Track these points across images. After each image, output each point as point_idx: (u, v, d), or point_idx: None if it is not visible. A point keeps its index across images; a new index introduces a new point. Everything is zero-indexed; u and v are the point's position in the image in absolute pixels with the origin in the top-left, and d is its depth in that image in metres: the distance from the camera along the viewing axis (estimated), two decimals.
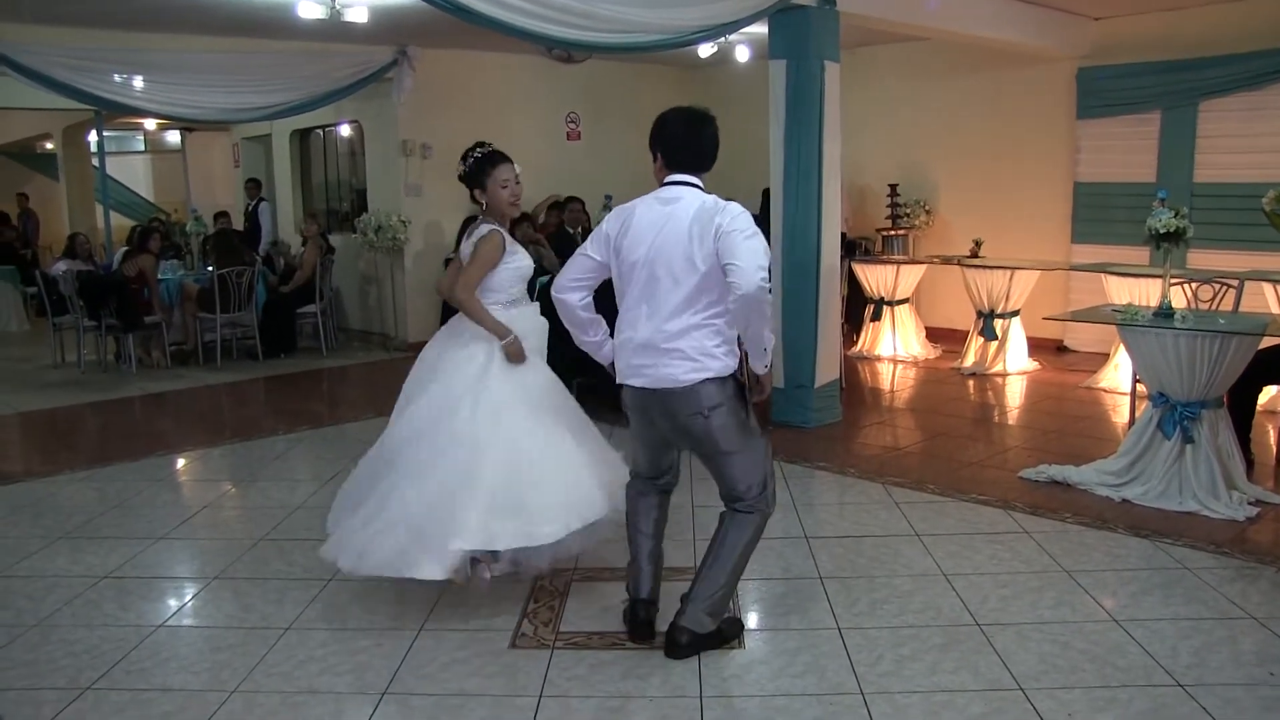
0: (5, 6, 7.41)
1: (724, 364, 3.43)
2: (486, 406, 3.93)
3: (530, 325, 4.15)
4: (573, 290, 3.60)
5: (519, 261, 4.17)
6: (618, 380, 3.59)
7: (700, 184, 3.49)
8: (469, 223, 7.72)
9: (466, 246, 4.14)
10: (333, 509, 4.24)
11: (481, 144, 4.18)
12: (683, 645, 3.52)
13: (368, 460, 4.19)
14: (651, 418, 3.55)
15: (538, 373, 4.14)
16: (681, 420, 3.45)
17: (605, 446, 4.22)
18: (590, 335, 3.66)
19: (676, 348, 3.39)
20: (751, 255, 3.25)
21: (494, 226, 4.11)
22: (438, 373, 4.09)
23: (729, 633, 3.65)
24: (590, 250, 3.57)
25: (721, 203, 3.39)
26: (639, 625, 3.68)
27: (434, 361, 4.16)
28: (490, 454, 3.83)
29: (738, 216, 3.33)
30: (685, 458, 3.89)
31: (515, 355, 4.03)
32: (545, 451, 3.92)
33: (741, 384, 3.53)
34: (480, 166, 4.10)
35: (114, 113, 10.70)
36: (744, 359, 3.58)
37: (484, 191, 4.11)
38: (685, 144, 3.49)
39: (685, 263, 3.35)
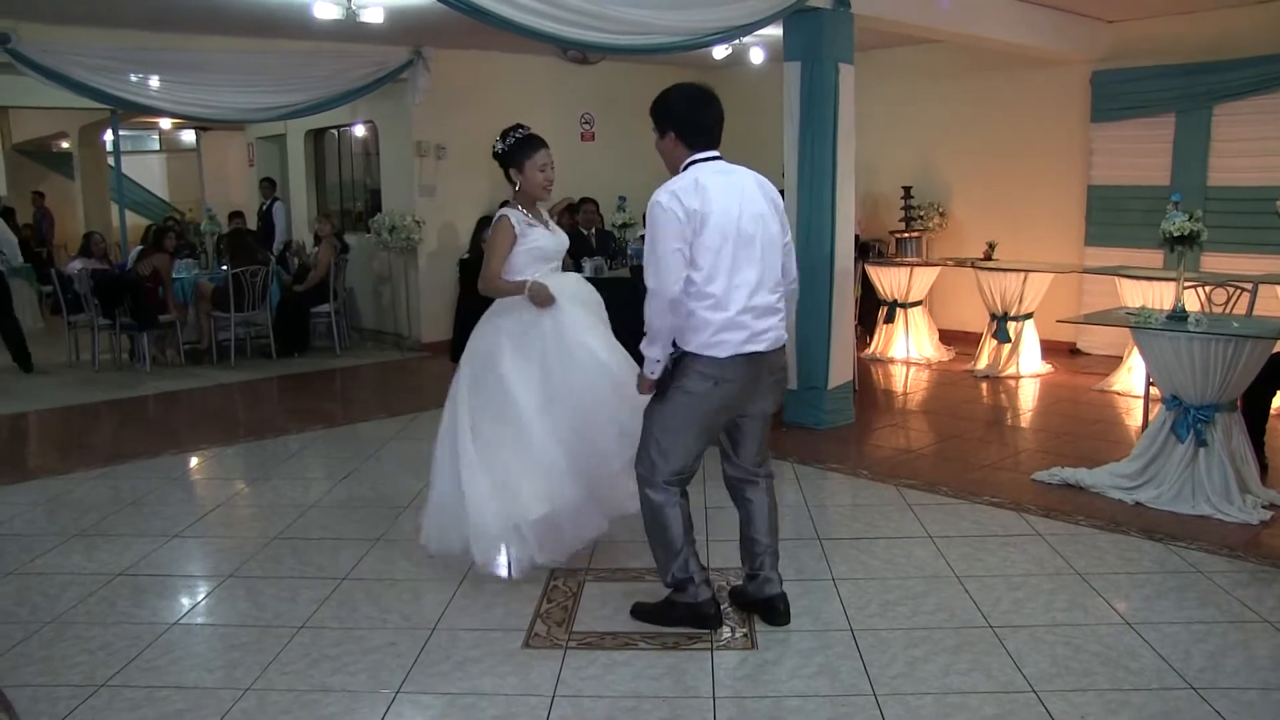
0: (24, 5, 7.46)
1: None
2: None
3: (554, 284, 4.21)
4: (676, 288, 3.45)
5: (537, 242, 4.22)
6: (732, 349, 3.47)
7: (722, 156, 3.59)
8: (484, 223, 7.79)
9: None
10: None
11: (521, 125, 4.28)
12: (787, 608, 3.82)
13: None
14: (754, 384, 3.59)
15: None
16: (775, 378, 3.69)
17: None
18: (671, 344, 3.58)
19: (779, 309, 3.62)
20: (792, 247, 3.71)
21: (504, 212, 4.22)
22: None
23: None
24: (678, 244, 3.40)
25: (761, 177, 3.65)
26: (716, 617, 3.77)
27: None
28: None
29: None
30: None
31: (543, 298, 4.12)
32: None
33: None
34: (520, 147, 4.21)
35: (130, 112, 10.78)
36: None
37: (520, 172, 4.21)
38: (706, 120, 3.56)
39: (777, 229, 3.60)
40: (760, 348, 3.53)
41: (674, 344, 3.53)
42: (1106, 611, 3.89)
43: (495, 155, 4.26)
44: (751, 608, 3.87)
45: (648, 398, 3.67)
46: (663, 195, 3.44)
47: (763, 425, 3.75)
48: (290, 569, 4.48)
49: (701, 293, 3.43)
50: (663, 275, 3.41)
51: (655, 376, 3.56)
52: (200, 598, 4.25)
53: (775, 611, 3.80)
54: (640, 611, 3.86)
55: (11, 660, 3.63)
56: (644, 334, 3.54)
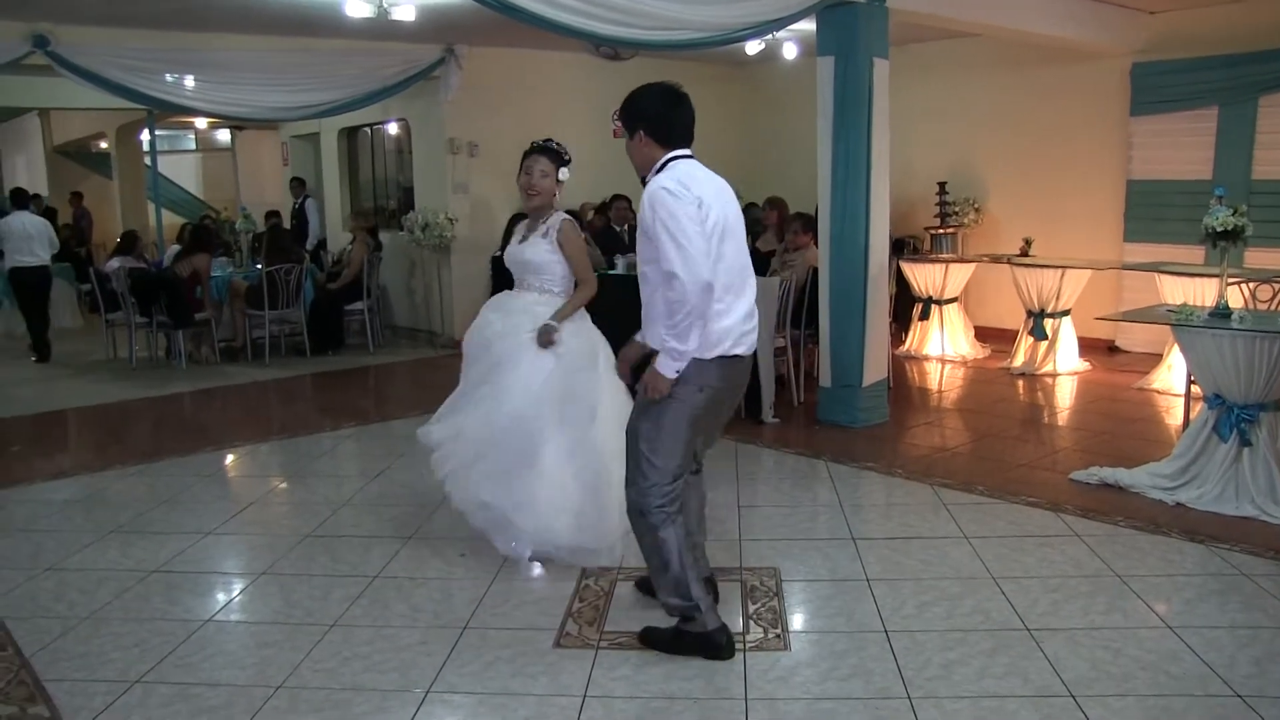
0: (62, 8, 7.55)
1: None
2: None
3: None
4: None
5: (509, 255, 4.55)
6: (719, 353, 3.40)
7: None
8: (516, 220, 7.78)
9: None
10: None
11: (547, 140, 4.53)
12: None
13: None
14: (733, 388, 3.60)
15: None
16: (746, 378, 3.65)
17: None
18: None
19: (756, 310, 3.59)
20: None
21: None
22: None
23: None
24: (699, 235, 3.30)
25: None
26: (727, 647, 3.55)
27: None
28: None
29: None
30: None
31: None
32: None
33: None
34: (525, 154, 4.46)
35: (166, 112, 10.89)
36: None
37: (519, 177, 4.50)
38: (676, 119, 3.50)
39: (743, 231, 3.57)
40: (741, 350, 3.50)
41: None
42: (1147, 614, 3.81)
43: None
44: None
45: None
46: (668, 183, 3.34)
47: (718, 429, 3.82)
48: (322, 567, 4.49)
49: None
50: (696, 258, 3.26)
51: (671, 376, 3.36)
52: (233, 595, 4.27)
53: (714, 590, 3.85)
54: (650, 639, 3.62)
55: (50, 655, 3.67)
56: (666, 330, 3.36)
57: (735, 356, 3.47)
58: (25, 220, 10.16)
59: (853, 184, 6.54)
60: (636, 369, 3.64)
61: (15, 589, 4.31)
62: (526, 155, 4.45)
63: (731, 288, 3.43)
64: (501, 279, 7.18)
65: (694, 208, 3.32)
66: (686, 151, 3.51)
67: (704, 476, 3.93)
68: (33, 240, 10.10)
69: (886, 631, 3.71)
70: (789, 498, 5.35)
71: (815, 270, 7.02)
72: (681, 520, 3.54)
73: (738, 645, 3.59)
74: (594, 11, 5.44)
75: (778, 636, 3.70)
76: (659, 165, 3.46)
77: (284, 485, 5.95)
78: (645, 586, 3.91)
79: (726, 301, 3.40)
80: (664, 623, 3.63)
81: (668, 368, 3.35)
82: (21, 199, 10.57)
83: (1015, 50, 9.36)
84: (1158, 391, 7.57)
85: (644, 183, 3.46)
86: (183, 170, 18.85)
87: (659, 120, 3.48)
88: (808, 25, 6.84)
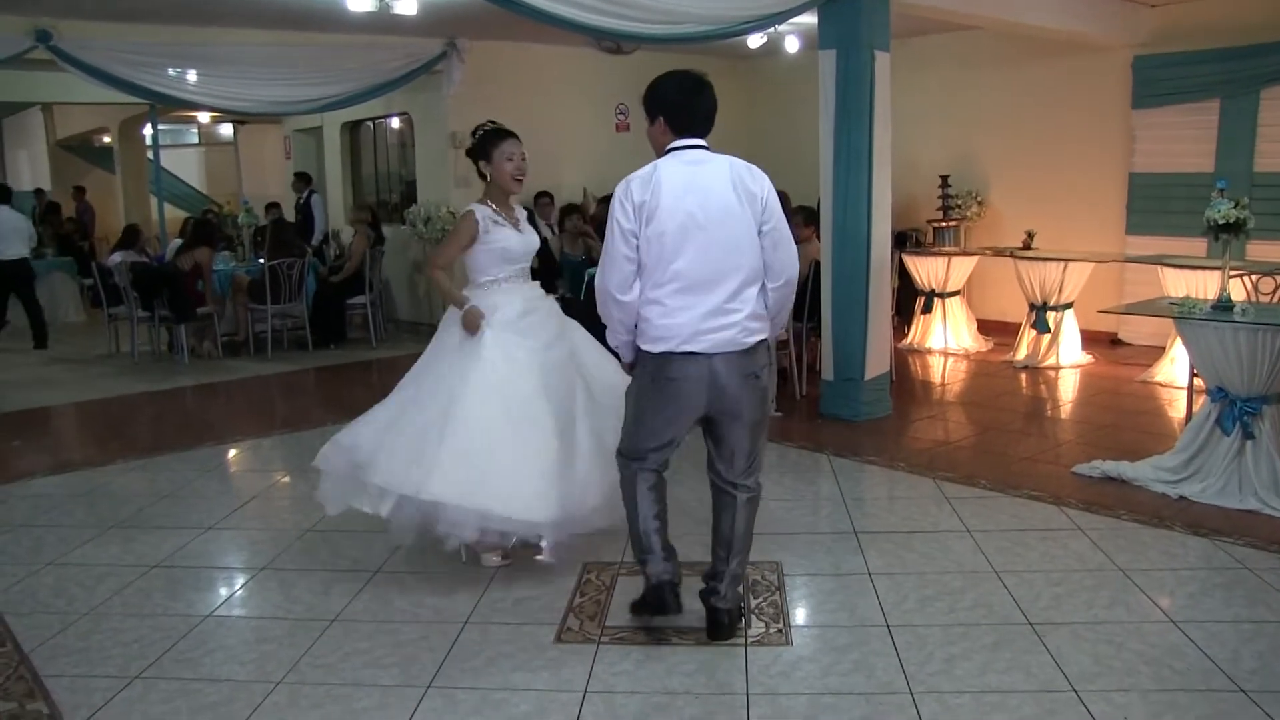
0: (65, 3, 7.54)
1: (766, 325, 3.54)
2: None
3: (501, 301, 4.21)
4: (629, 289, 3.43)
5: (502, 242, 4.21)
6: (663, 346, 3.41)
7: (708, 146, 3.52)
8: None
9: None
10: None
11: (491, 121, 4.32)
12: (728, 625, 3.62)
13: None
14: (702, 386, 3.43)
15: (504, 353, 4.12)
16: (736, 383, 3.44)
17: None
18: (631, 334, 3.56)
19: (737, 309, 3.41)
20: (791, 245, 3.48)
21: (471, 206, 4.22)
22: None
23: (743, 602, 3.81)
24: (621, 244, 3.39)
25: (751, 166, 3.49)
26: (673, 603, 3.68)
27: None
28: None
29: (771, 188, 3.48)
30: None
31: (470, 325, 4.14)
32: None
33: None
34: (487, 138, 4.24)
35: (168, 106, 10.86)
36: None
37: (489, 164, 4.24)
38: (694, 107, 3.49)
39: (738, 227, 3.39)
40: (697, 348, 3.39)
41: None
42: (1150, 609, 3.80)
43: (467, 153, 4.33)
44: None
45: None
46: (620, 186, 3.45)
47: (738, 434, 3.52)
48: (323, 562, 4.49)
49: (645, 289, 3.41)
50: (605, 271, 3.45)
51: (629, 360, 3.62)
52: (234, 590, 4.27)
53: (715, 623, 3.64)
54: (633, 607, 3.80)
55: (49, 650, 3.67)
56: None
57: (688, 354, 3.39)
58: (3, 216, 10.37)
59: (855, 177, 6.52)
60: None
61: (15, 584, 4.31)
62: (504, 138, 4.22)
63: (693, 287, 3.37)
64: None
65: (626, 215, 3.39)
66: (696, 141, 3.48)
67: (738, 511, 3.63)
68: (10, 235, 10.32)
69: (889, 626, 3.70)
70: (791, 491, 5.34)
71: (817, 263, 7.00)
72: (655, 482, 3.63)
73: (738, 640, 3.59)
74: (596, 5, 5.43)
75: (779, 631, 3.69)
76: (664, 153, 3.49)
77: (286, 480, 5.94)
78: (637, 608, 3.82)
79: (680, 300, 3.37)
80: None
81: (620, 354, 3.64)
82: (3, 194, 10.70)
83: (1017, 43, 9.33)
84: (1160, 384, 7.56)
85: None
86: (185, 164, 18.83)
87: (677, 108, 3.49)
88: (809, 18, 6.82)
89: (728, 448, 3.55)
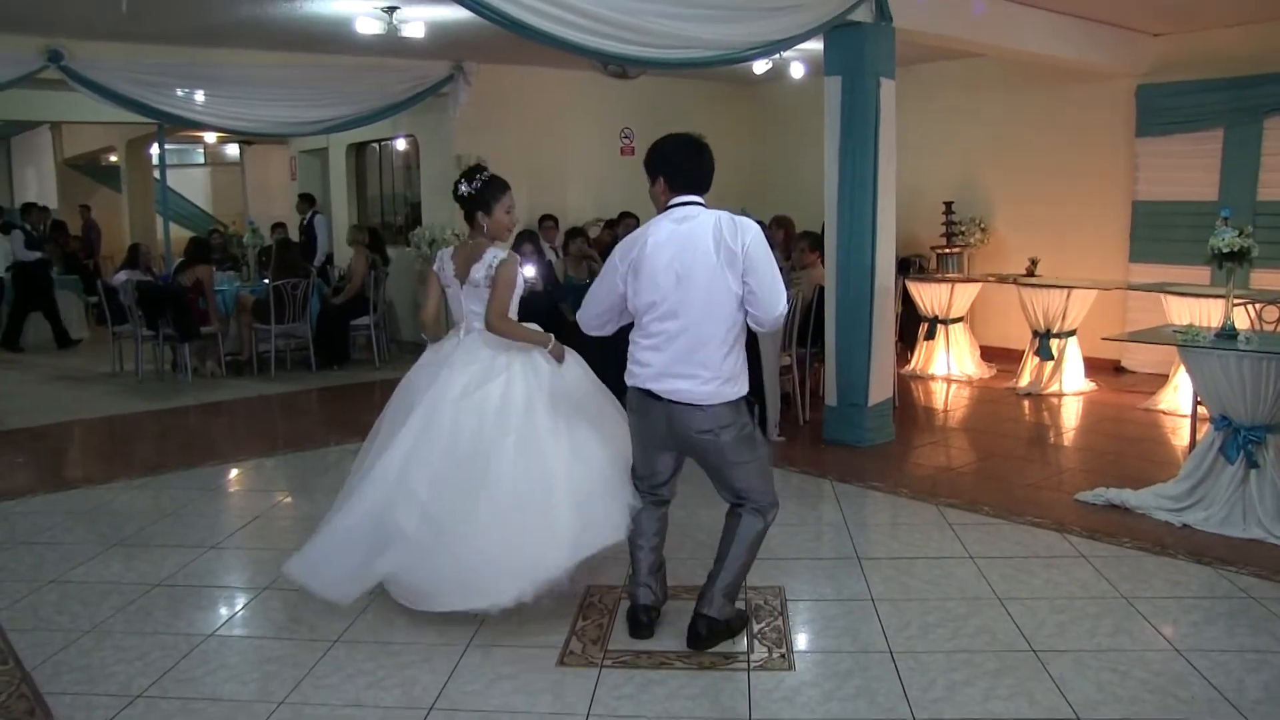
0: (76, 23, 7.60)
1: (740, 386, 3.63)
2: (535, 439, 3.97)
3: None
4: (603, 328, 3.81)
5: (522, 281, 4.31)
6: (634, 381, 3.68)
7: (704, 202, 3.67)
8: (522, 237, 7.80)
9: (479, 271, 4.13)
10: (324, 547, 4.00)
11: (482, 168, 4.31)
12: (704, 636, 3.70)
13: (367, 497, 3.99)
14: (655, 423, 3.67)
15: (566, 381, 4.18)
16: (691, 435, 3.62)
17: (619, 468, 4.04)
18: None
19: (703, 366, 3.54)
20: (775, 288, 3.52)
21: (506, 250, 4.20)
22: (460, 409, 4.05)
23: (736, 625, 3.83)
24: (602, 289, 3.72)
25: (737, 220, 3.57)
26: (640, 627, 3.84)
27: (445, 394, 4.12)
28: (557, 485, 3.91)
29: (758, 239, 3.54)
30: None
31: (560, 355, 4.19)
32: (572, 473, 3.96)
33: (751, 402, 3.71)
34: (489, 189, 4.21)
35: (176, 126, 10.93)
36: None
37: (488, 215, 4.21)
38: (691, 168, 3.66)
39: (716, 285, 3.49)
40: (654, 388, 3.60)
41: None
42: (1153, 637, 3.79)
43: (460, 198, 4.23)
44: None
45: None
46: (617, 246, 3.74)
47: (714, 472, 3.72)
48: None
49: (636, 326, 3.66)
50: (584, 305, 3.79)
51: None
52: (237, 609, 4.27)
53: (692, 630, 3.73)
54: None
55: (52, 668, 3.66)
56: None
57: (649, 393, 3.62)
58: None
59: (859, 203, 6.55)
60: None
61: (18, 601, 4.30)
62: (505, 190, 4.24)
63: (668, 338, 3.56)
64: None
65: (613, 265, 3.66)
66: (692, 198, 3.64)
67: (739, 529, 3.74)
68: None
69: (891, 652, 3.69)
70: (794, 516, 5.33)
71: (821, 289, 7.02)
72: (656, 512, 3.88)
73: (741, 665, 3.59)
74: (603, 30, 5.46)
75: (782, 656, 3.68)
76: (661, 211, 3.69)
77: (288, 500, 5.94)
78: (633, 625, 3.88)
79: (652, 342, 3.60)
80: (663, 639, 3.73)
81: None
82: None
83: (1022, 71, 9.40)
84: (1164, 412, 7.56)
85: None
86: (191, 184, 18.92)
87: (676, 170, 3.66)
88: (815, 45, 6.86)
89: (714, 479, 3.78)
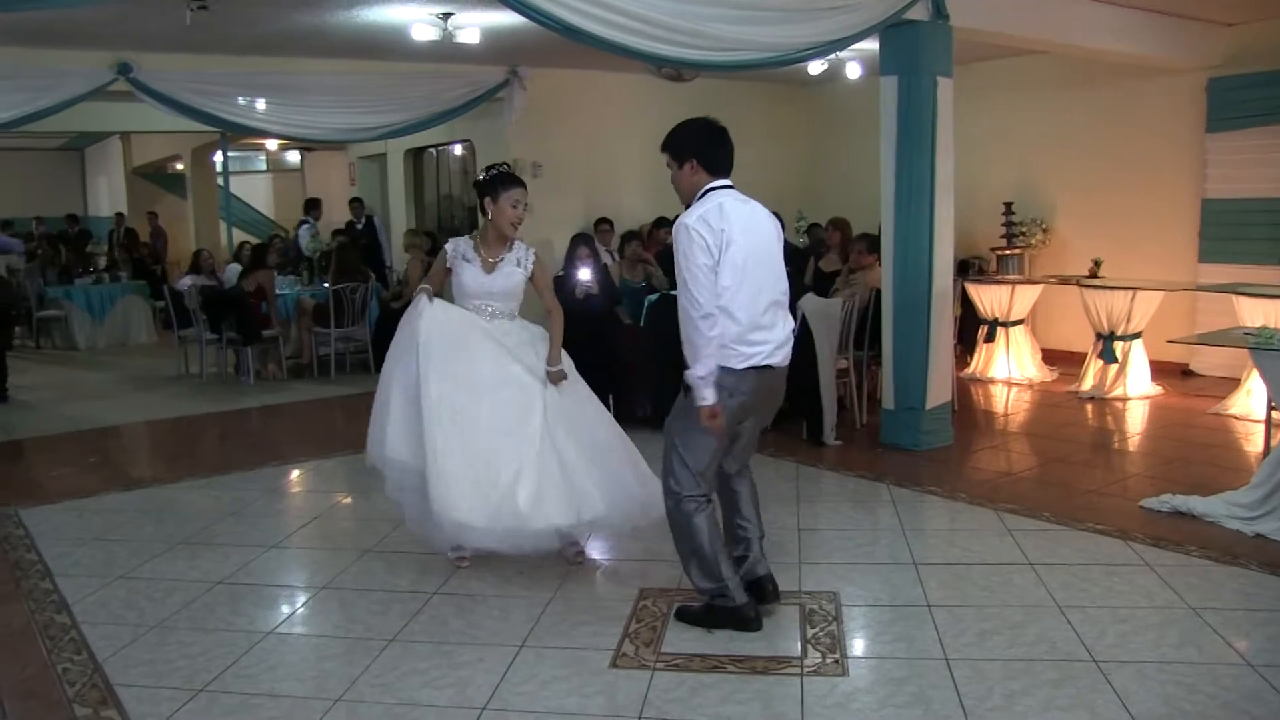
0: (144, 37, 7.79)
1: None
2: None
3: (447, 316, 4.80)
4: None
5: (460, 277, 4.71)
6: (749, 362, 3.71)
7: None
8: (577, 240, 7.83)
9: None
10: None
11: (505, 164, 4.66)
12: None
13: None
14: (763, 397, 3.87)
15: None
16: (779, 394, 4.00)
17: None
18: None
19: (791, 327, 3.90)
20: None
21: (452, 240, 4.71)
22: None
23: None
24: (706, 261, 3.63)
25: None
26: (767, 594, 4.03)
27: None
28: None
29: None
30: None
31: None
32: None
33: None
34: (497, 180, 4.48)
35: (239, 134, 11.14)
36: None
37: (494, 203, 4.48)
38: (726, 152, 3.85)
39: (778, 260, 3.85)
40: (773, 362, 3.78)
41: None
42: (1224, 650, 3.68)
43: (475, 184, 4.54)
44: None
45: None
46: (690, 219, 3.67)
47: (757, 433, 4.06)
48: (382, 582, 4.52)
49: (724, 308, 3.64)
50: (701, 290, 3.61)
51: (709, 401, 3.62)
52: (296, 608, 4.33)
53: (764, 591, 3.99)
54: (685, 614, 3.97)
55: (121, 661, 3.76)
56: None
57: (767, 368, 3.77)
58: None
59: (916, 204, 6.47)
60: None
61: (90, 594, 4.42)
62: (513, 184, 4.49)
63: (762, 306, 3.74)
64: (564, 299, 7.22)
65: (706, 243, 3.62)
66: (727, 181, 3.81)
67: (752, 482, 4.14)
68: None
69: (947, 659, 3.63)
70: (850, 521, 5.28)
71: (878, 291, 6.95)
72: (712, 510, 3.89)
73: (794, 670, 3.55)
74: (656, 33, 5.46)
75: (836, 661, 3.64)
76: (701, 193, 3.78)
77: (347, 501, 6.02)
78: (683, 615, 3.98)
79: (746, 315, 3.69)
80: (716, 642, 3.71)
81: (698, 396, 3.63)
82: None
83: (1083, 67, 9.21)
84: (1235, 417, 7.35)
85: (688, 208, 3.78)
86: (254, 190, 19.26)
87: (707, 152, 3.80)
88: (871, 45, 6.80)
89: (749, 446, 4.07)
